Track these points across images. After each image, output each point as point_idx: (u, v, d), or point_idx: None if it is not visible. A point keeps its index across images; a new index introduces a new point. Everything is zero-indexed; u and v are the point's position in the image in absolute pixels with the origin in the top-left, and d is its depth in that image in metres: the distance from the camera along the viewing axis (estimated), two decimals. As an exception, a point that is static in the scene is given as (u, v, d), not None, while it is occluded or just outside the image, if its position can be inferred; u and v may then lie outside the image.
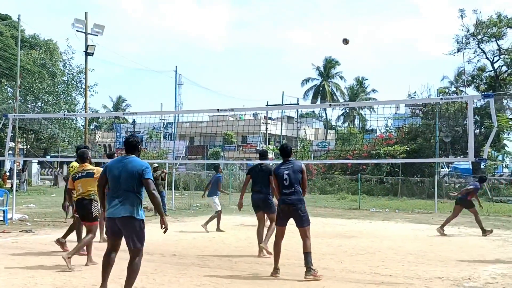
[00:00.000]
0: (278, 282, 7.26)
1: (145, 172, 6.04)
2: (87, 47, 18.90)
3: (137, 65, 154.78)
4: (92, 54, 19.09)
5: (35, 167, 42.79)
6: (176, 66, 22.81)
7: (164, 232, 6.02)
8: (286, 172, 7.74)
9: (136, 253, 6.03)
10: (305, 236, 7.58)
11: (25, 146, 36.93)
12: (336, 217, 18.19)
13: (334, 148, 43.51)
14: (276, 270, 7.63)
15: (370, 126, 53.62)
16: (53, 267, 8.03)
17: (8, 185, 28.57)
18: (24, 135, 35.78)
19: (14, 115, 15.85)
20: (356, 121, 68.55)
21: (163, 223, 6.00)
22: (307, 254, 7.48)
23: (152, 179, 6.11)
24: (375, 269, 8.36)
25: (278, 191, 7.89)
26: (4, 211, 14.44)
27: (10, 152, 24.03)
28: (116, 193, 6.07)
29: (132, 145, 6.28)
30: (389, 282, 7.43)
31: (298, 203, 7.64)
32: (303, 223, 7.62)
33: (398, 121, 39.94)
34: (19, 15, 26.33)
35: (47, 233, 12.37)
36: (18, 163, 27.60)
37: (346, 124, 68.70)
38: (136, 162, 6.12)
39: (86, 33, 18.85)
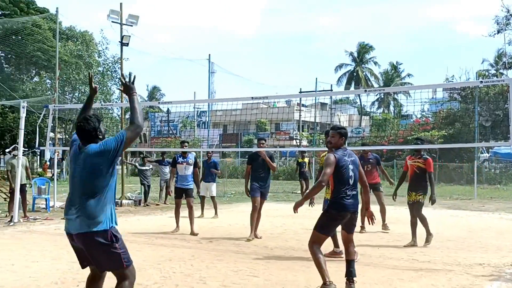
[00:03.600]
0: (314, 268, 7.25)
1: (107, 143, 4.27)
2: (122, 37, 19.03)
3: (171, 54, 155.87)
4: (127, 45, 19.23)
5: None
6: (209, 55, 22.95)
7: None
8: (351, 166, 5.95)
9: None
10: (352, 242, 6.21)
11: (64, 136, 37.74)
12: (372, 204, 17.99)
13: (369, 134, 43.08)
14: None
15: (406, 112, 52.88)
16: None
17: (49, 174, 29.31)
18: (63, 125, 36.52)
19: (54, 106, 16.17)
20: (391, 107, 67.64)
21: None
22: (352, 262, 6.07)
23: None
24: (413, 256, 8.29)
25: (316, 187, 5.95)
26: (46, 199, 14.87)
27: (50, 142, 24.59)
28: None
29: (86, 132, 4.36)
30: (427, 268, 7.35)
31: (357, 208, 6.14)
32: (353, 229, 6.23)
33: (436, 105, 39.24)
34: (57, 8, 26.81)
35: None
36: (57, 153, 28.19)
37: (380, 110, 67.89)
38: (92, 148, 4.28)
39: (121, 24, 18.97)
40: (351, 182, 5.89)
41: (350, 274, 5.98)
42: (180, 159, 10.87)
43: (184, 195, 10.76)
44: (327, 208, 5.97)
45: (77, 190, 4.30)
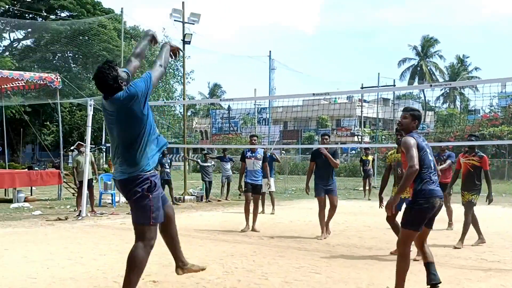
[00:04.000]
0: (377, 266, 7.13)
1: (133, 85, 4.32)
2: (184, 35, 19.34)
3: (232, 51, 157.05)
4: (189, 43, 19.51)
5: (138, 153, 44.86)
6: (270, 51, 22.93)
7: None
8: (428, 150, 5.37)
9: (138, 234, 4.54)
10: (426, 240, 5.47)
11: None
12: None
13: (434, 130, 41.96)
14: None
15: (473, 106, 51.11)
16: (158, 247, 8.37)
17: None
18: (127, 123, 37.56)
19: (119, 104, 16.62)
20: (457, 102, 65.59)
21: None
22: (432, 264, 5.32)
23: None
24: (481, 255, 8.00)
25: (409, 175, 5.06)
26: (112, 194, 15.31)
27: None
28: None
29: (107, 86, 4.30)
30: (497, 268, 7.07)
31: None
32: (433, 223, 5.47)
33: (505, 100, 37.70)
34: (121, 8, 27.54)
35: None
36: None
37: (446, 105, 65.98)
38: (121, 96, 4.29)
39: (183, 22, 19.29)
40: (432, 166, 5.28)
41: (433, 280, 5.24)
42: (249, 154, 10.58)
43: (252, 191, 10.50)
44: (413, 200, 5.20)
45: (117, 141, 4.41)
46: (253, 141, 11.07)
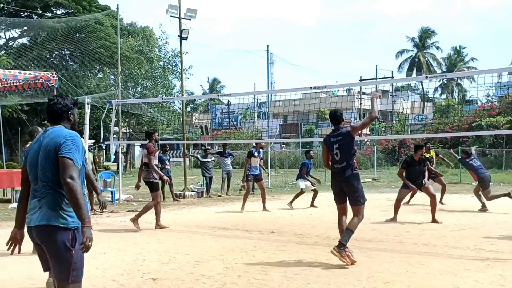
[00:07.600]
0: (377, 258, 7.16)
1: (63, 146, 3.55)
2: (181, 31, 19.28)
3: (230, 46, 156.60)
4: (186, 38, 19.48)
5: (137, 150, 44.96)
6: (268, 45, 22.76)
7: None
8: (336, 144, 7.23)
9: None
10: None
11: (128, 130, 38.78)
12: (436, 192, 17.56)
13: (432, 121, 41.98)
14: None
15: (470, 97, 51.22)
16: (158, 244, 8.42)
17: (114, 168, 30.26)
18: (127, 120, 37.55)
19: (117, 101, 16.63)
20: (455, 92, 65.61)
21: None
22: (348, 231, 6.75)
23: (75, 159, 3.53)
24: (479, 245, 8.03)
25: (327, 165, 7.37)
26: (112, 192, 15.33)
27: (115, 136, 25.32)
28: (34, 189, 3.75)
29: (53, 111, 3.77)
30: (495, 258, 7.10)
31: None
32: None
33: (501, 90, 37.77)
34: (117, 5, 27.42)
35: (151, 213, 12.97)
36: (122, 147, 29.00)
37: (444, 96, 66.03)
38: (56, 133, 3.65)
39: (180, 18, 19.25)
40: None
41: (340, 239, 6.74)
42: (256, 154, 13.25)
43: (255, 181, 13.34)
44: None
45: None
46: (261, 146, 14.14)
